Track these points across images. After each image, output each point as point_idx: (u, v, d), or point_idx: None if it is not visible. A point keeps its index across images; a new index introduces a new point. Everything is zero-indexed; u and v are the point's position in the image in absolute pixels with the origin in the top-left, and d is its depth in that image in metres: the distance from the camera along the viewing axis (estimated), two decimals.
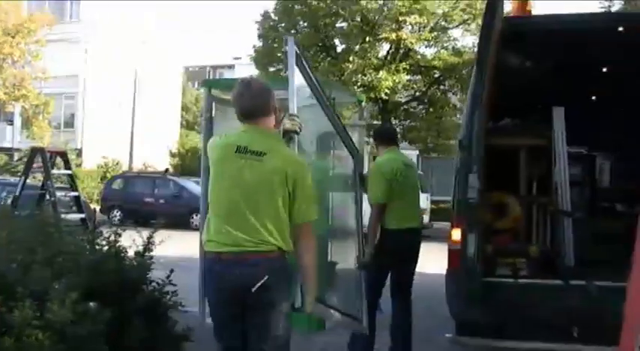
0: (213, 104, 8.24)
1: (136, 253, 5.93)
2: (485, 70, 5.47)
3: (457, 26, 25.69)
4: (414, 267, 6.22)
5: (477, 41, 25.00)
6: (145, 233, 6.01)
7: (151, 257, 5.88)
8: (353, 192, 6.00)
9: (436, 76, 26.42)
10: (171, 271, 5.79)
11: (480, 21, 24.74)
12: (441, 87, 26.79)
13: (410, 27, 24.50)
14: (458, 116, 27.13)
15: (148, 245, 6.02)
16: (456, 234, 5.71)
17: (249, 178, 3.76)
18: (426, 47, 25.68)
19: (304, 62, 4.84)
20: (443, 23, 25.44)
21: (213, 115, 8.20)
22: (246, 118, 3.86)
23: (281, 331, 3.82)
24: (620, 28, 6.08)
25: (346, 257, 6.05)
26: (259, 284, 3.69)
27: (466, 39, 26.23)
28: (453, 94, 26.93)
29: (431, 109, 26.89)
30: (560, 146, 6.47)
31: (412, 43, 24.29)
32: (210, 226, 3.86)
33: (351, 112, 14.60)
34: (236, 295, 3.75)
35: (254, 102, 3.85)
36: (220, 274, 3.79)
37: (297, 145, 4.23)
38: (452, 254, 5.73)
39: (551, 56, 6.89)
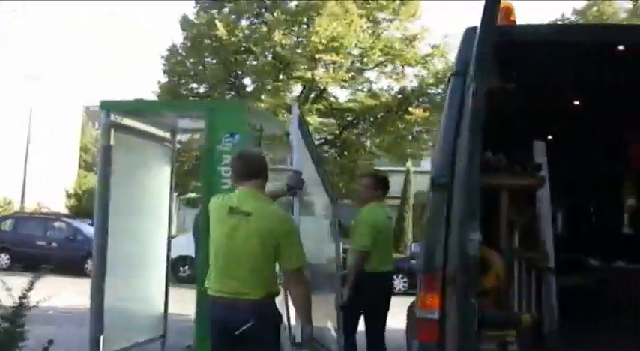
0: (112, 131, 6.86)
1: (3, 316, 4.59)
2: (482, 79, 4.30)
3: (373, 68, 24.85)
4: (388, 308, 6.93)
5: (391, 84, 25.19)
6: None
7: (22, 325, 4.60)
8: (332, 237, 6.82)
9: (349, 119, 25.47)
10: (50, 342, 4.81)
11: (398, 62, 24.44)
12: (355, 130, 25.78)
13: (325, 67, 23.48)
14: (372, 161, 26.32)
15: (23, 301, 4.69)
16: (431, 298, 4.59)
17: (238, 235, 4.52)
18: (341, 88, 24.66)
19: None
20: (358, 64, 24.56)
21: (111, 143, 6.82)
22: (237, 180, 4.77)
23: None
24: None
25: (325, 298, 7.03)
26: (245, 326, 4.39)
27: (382, 82, 25.48)
28: (368, 138, 25.99)
29: (345, 153, 25.87)
30: (544, 188, 5.36)
31: (327, 83, 23.25)
32: (210, 274, 4.69)
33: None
34: (227, 333, 4.48)
35: (246, 166, 4.73)
36: (215, 315, 4.63)
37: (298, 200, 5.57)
38: (424, 324, 4.56)
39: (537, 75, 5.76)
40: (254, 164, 4.76)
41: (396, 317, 7.40)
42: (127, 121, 7.32)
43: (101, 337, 6.68)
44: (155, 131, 8.07)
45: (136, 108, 7.45)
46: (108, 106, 6.90)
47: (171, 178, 8.39)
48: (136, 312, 7.70)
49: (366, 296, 6.68)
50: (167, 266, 8.37)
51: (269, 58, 23.93)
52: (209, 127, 6.61)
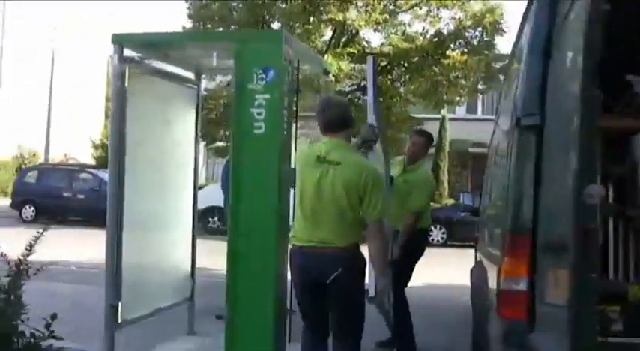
0: (126, 70, 5.96)
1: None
2: None
3: (407, 10, 23.56)
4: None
5: (426, 27, 23.92)
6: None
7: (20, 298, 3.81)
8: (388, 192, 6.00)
9: (383, 64, 24.28)
10: (53, 317, 4.62)
11: (433, 4, 23.17)
12: (389, 76, 24.57)
13: (357, 9, 22.24)
14: (407, 108, 25.21)
15: (19, 271, 3.88)
16: (518, 264, 3.81)
17: (325, 184, 4.71)
18: (374, 31, 23.42)
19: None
20: (392, 7, 23.27)
21: (126, 84, 5.93)
22: (326, 130, 4.91)
23: (357, 315, 4.82)
24: None
25: None
26: (335, 274, 4.61)
27: (416, 25, 24.18)
28: (402, 84, 24.80)
29: (380, 99, 24.69)
30: None
31: (360, 26, 22.05)
32: (295, 223, 4.92)
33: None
34: (315, 282, 4.74)
35: (332, 117, 4.88)
36: (302, 264, 4.83)
37: (375, 152, 5.80)
38: (509, 297, 3.75)
39: None
40: (345, 114, 4.95)
41: (434, 270, 7.79)
42: (145, 57, 6.36)
43: (119, 304, 5.89)
44: (177, 70, 7.12)
45: (154, 41, 6.40)
46: (120, 40, 5.94)
47: (197, 124, 7.46)
48: (160, 272, 6.87)
49: (419, 252, 7.19)
50: (194, 219, 7.49)
51: (298, 0, 22.74)
52: (239, 61, 5.64)
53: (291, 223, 5.33)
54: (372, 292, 5.05)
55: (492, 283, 4.20)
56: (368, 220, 4.69)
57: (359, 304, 4.84)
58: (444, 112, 31.20)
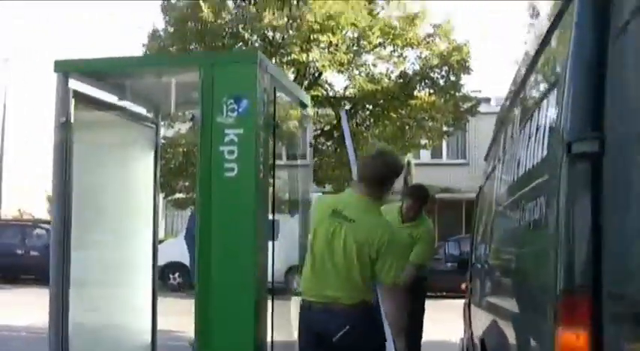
0: (72, 103, 5.04)
1: None
2: None
3: (371, 50, 22.86)
4: None
5: (391, 68, 23.26)
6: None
7: None
8: None
9: (347, 107, 23.53)
10: None
11: (398, 43, 22.52)
12: (353, 119, 23.81)
13: (320, 49, 21.49)
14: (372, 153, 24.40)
15: None
16: (578, 336, 2.91)
17: (337, 240, 4.43)
18: (338, 72, 22.65)
19: None
20: (355, 47, 22.59)
21: (71, 119, 5.00)
22: (363, 180, 4.58)
23: None
24: None
25: None
26: (342, 332, 4.36)
27: (381, 66, 23.48)
28: (366, 128, 24.03)
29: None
30: None
31: (323, 67, 21.28)
32: (303, 276, 4.63)
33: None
34: (322, 338, 4.45)
35: (373, 172, 4.52)
36: (310, 319, 4.54)
37: None
38: None
39: None
40: (390, 170, 4.62)
41: None
42: (93, 91, 5.43)
43: None
44: (132, 107, 6.19)
45: (105, 67, 5.44)
46: (65, 67, 5.03)
47: (156, 169, 6.53)
48: (115, 336, 5.87)
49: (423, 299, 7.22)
50: (154, 276, 6.50)
51: (259, 41, 21.96)
52: (205, 88, 4.76)
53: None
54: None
55: None
56: (383, 283, 4.66)
57: None
58: (408, 156, 30.53)
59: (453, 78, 22.45)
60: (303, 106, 6.61)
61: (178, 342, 8.18)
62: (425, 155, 32.58)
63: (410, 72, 22.59)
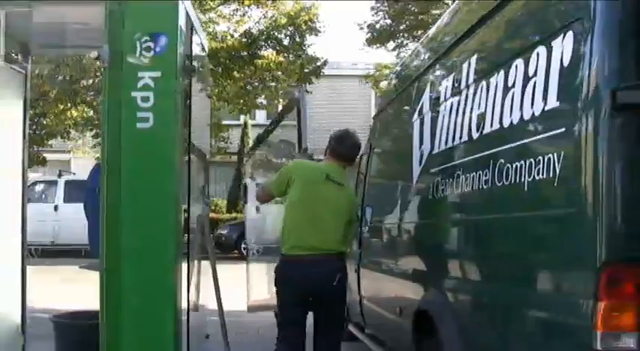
0: None
1: None
2: None
3: (212, 9, 21.83)
4: None
5: (231, 28, 22.37)
6: None
7: None
8: None
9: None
10: None
11: (244, 1, 21.67)
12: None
13: None
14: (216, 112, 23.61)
15: None
16: (623, 313, 2.61)
17: (336, 199, 5.14)
18: None
19: None
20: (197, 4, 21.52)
21: None
22: (338, 158, 5.34)
23: (344, 312, 5.41)
24: None
25: None
26: (338, 277, 5.01)
27: (221, 26, 22.51)
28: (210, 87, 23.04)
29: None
30: None
31: None
32: (293, 233, 5.04)
33: None
34: (315, 290, 4.96)
35: (351, 153, 5.42)
36: (302, 273, 4.95)
37: None
38: None
39: None
40: (357, 152, 5.57)
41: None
42: None
43: None
44: None
45: None
46: None
47: (25, 118, 5.60)
48: None
49: None
50: (23, 248, 5.59)
51: None
52: (114, 23, 3.96)
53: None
54: None
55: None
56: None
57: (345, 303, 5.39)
58: (245, 118, 29.83)
59: (298, 39, 21.96)
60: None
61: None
62: (261, 116, 31.97)
63: (255, 31, 21.86)
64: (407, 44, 23.80)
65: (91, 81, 19.95)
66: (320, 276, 4.97)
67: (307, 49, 22.16)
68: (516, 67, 3.51)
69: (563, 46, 3.01)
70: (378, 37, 23.54)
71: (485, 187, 3.69)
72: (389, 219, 6.19)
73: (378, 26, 23.35)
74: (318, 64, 22.43)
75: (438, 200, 4.58)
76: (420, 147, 5.20)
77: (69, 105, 20.35)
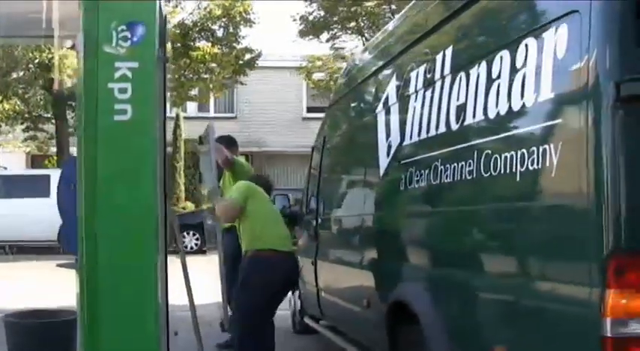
0: None
1: None
2: None
3: None
4: None
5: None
6: None
7: None
8: None
9: None
10: None
11: None
12: None
13: None
14: None
15: None
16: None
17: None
18: None
19: None
20: None
21: None
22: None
23: None
24: None
25: None
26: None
27: None
28: None
29: None
30: None
31: None
32: (277, 233, 5.91)
33: None
34: (290, 280, 6.04)
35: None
36: (289, 268, 5.87)
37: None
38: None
39: None
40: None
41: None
42: None
43: None
44: None
45: None
46: None
47: None
48: None
49: None
50: None
51: None
52: (89, 12, 3.84)
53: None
54: None
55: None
56: None
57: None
58: (177, 110, 29.49)
59: (231, 29, 21.82)
60: None
61: None
62: (192, 109, 31.63)
63: (189, 22, 21.63)
64: (340, 36, 23.85)
65: (22, 73, 19.46)
66: (295, 270, 6.15)
67: (242, 40, 22.03)
68: (501, 58, 3.53)
69: (557, 38, 3.04)
70: (311, 28, 23.51)
71: (472, 177, 3.70)
72: (352, 211, 6.14)
73: (311, 18, 23.30)
74: (253, 55, 22.32)
75: (414, 191, 4.56)
76: (388, 138, 5.19)
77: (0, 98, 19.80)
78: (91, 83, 3.82)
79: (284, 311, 8.43)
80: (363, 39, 22.82)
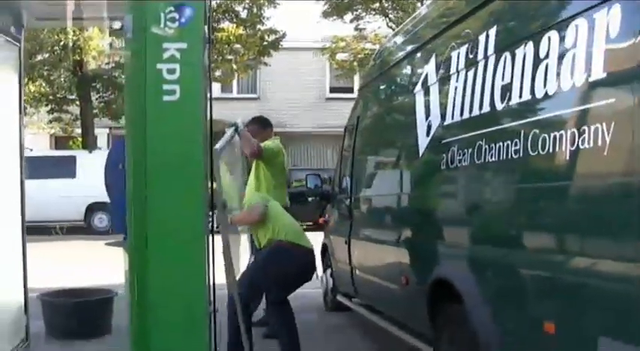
0: None
1: None
2: None
3: None
4: None
5: None
6: None
7: None
8: None
9: None
10: None
11: None
12: None
13: None
14: None
15: None
16: None
17: None
18: None
19: None
20: None
21: None
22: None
23: None
24: None
25: None
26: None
27: None
28: None
29: None
30: None
31: None
32: (295, 229, 6.00)
33: None
34: (305, 275, 5.90)
35: None
36: (301, 259, 5.81)
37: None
38: None
39: None
40: None
41: None
42: None
43: None
44: None
45: None
46: None
47: (21, 92, 5.47)
48: None
49: None
50: (23, 225, 5.48)
51: None
52: None
53: None
54: None
55: None
56: None
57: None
58: None
59: (255, 11, 21.80)
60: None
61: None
62: (215, 89, 31.63)
63: (213, 4, 21.60)
64: (364, 16, 23.74)
65: (47, 55, 19.59)
66: (313, 262, 6.05)
67: (266, 21, 22.01)
68: (549, 39, 3.53)
69: (610, 18, 3.04)
70: (334, 9, 23.40)
71: (518, 156, 3.71)
72: (389, 190, 6.16)
73: None
74: (277, 36, 22.30)
75: (456, 170, 4.58)
76: (427, 118, 5.20)
77: (25, 80, 19.88)
78: (139, 64, 3.86)
79: (316, 290, 8.50)
80: (387, 19, 22.71)
